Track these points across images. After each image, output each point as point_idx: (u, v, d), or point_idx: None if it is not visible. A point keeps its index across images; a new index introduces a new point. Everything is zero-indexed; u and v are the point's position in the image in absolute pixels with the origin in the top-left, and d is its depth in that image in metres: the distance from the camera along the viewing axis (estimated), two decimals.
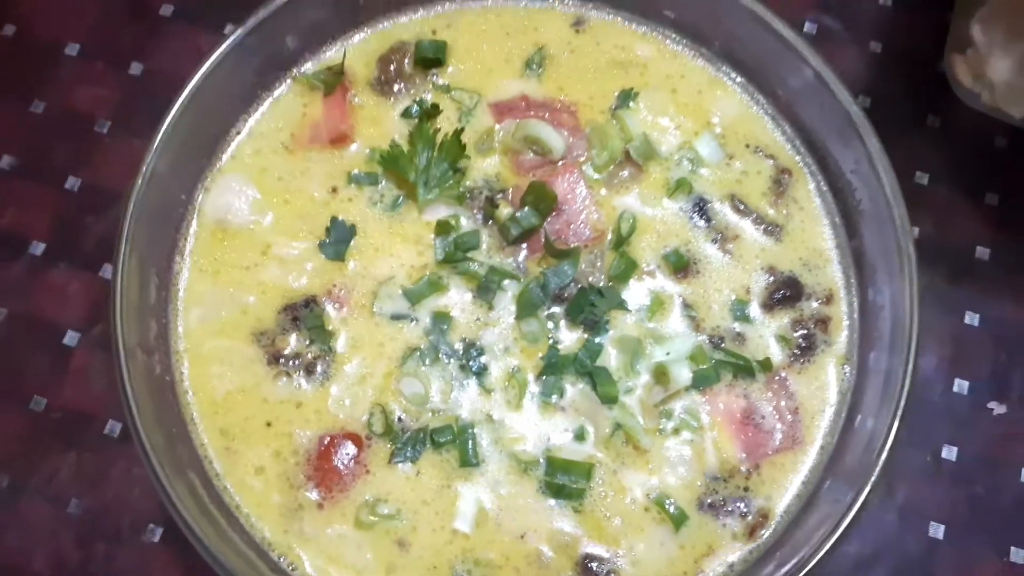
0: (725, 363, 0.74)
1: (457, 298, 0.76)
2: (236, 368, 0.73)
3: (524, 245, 0.78)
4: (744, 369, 0.74)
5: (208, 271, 0.76)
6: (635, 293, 0.77)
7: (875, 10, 1.03)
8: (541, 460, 0.72)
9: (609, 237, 0.78)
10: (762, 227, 0.79)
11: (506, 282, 0.76)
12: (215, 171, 0.79)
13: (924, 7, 1.02)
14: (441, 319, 0.75)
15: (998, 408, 0.88)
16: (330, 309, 0.75)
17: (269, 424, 0.72)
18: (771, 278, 0.78)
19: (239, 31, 0.77)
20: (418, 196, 0.78)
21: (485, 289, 0.76)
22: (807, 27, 1.03)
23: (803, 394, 0.75)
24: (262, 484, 0.71)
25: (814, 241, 0.79)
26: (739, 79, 0.84)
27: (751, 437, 0.73)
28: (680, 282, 0.77)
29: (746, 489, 0.72)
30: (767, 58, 0.81)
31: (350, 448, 0.71)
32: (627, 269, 0.77)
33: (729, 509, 0.71)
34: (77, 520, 0.81)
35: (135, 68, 0.97)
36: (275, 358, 0.74)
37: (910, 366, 0.69)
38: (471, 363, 0.74)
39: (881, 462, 0.67)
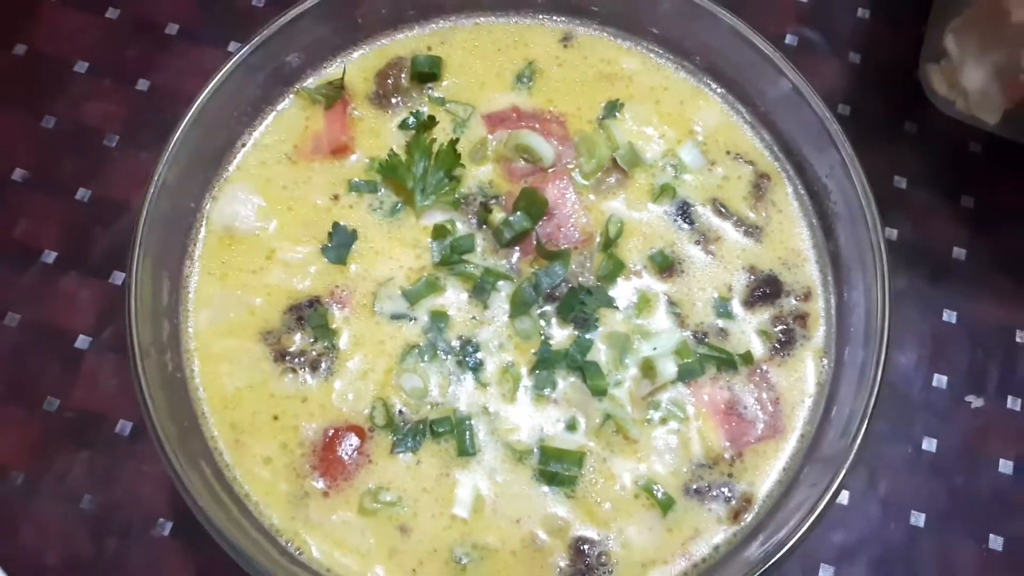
0: (709, 357, 0.79)
1: (454, 298, 0.81)
2: (244, 366, 0.78)
3: (517, 248, 0.82)
4: (727, 362, 0.79)
5: (217, 275, 0.81)
6: (623, 292, 0.81)
7: (853, 23, 1.10)
8: (535, 449, 0.76)
9: (597, 239, 0.82)
10: (743, 229, 0.84)
11: (500, 283, 0.80)
12: (222, 181, 0.84)
13: (900, 20, 1.09)
14: (438, 318, 0.80)
15: (975, 402, 0.93)
16: (333, 309, 0.80)
17: (276, 418, 0.77)
18: (752, 277, 0.82)
19: (245, 49, 0.82)
20: (415, 202, 0.83)
21: (480, 289, 0.80)
22: (789, 40, 1.09)
23: (783, 385, 0.79)
24: (270, 474, 0.75)
25: (792, 242, 0.85)
26: (720, 90, 0.90)
27: (734, 426, 0.78)
28: (665, 281, 0.82)
29: (730, 475, 0.77)
30: (746, 71, 0.87)
31: (353, 439, 0.75)
32: (615, 269, 0.81)
33: (714, 494, 0.76)
34: (90, 516, 0.86)
35: (142, 84, 1.04)
36: (281, 356, 0.78)
37: (882, 359, 0.74)
38: (467, 359, 0.78)
39: (855, 448, 0.71)
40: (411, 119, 0.87)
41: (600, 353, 0.79)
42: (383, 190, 0.85)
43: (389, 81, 0.88)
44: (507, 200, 0.84)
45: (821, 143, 0.83)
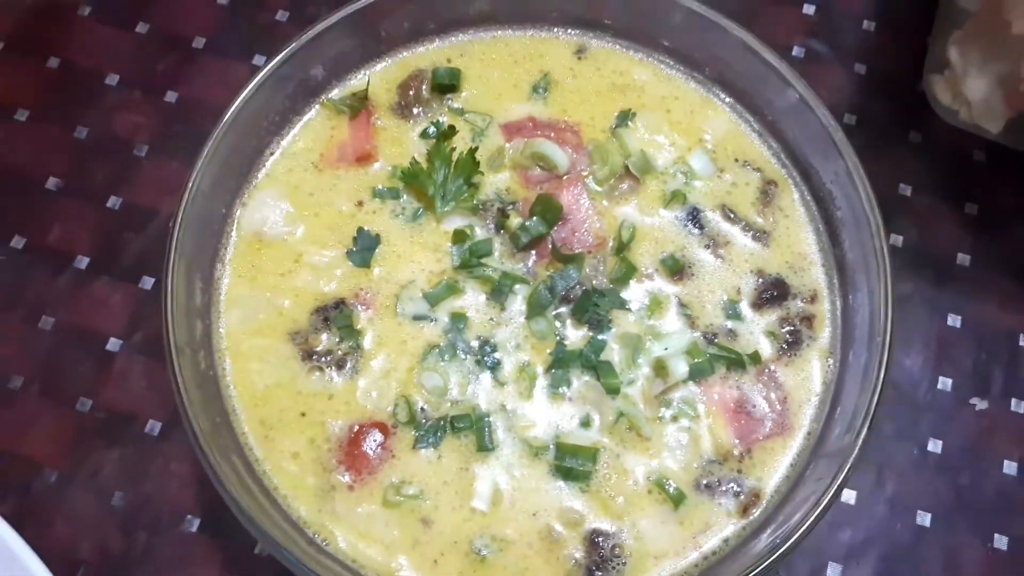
0: (719, 357, 0.82)
1: (472, 300, 0.84)
2: (273, 364, 0.82)
3: (533, 251, 0.86)
4: (736, 362, 0.82)
5: (247, 277, 0.85)
6: (635, 294, 0.85)
7: (859, 35, 1.13)
8: (551, 445, 0.79)
9: (611, 244, 0.86)
10: (751, 234, 0.88)
11: (517, 285, 0.84)
12: (252, 188, 0.88)
13: (904, 31, 1.13)
14: (458, 319, 0.83)
15: (980, 403, 0.96)
16: (358, 310, 0.83)
17: (304, 414, 0.80)
18: (759, 280, 0.86)
19: (273, 62, 0.86)
20: (436, 208, 0.86)
21: (498, 292, 0.84)
22: (796, 51, 1.13)
23: (790, 385, 0.83)
24: (298, 468, 0.79)
25: (799, 246, 0.88)
26: (728, 100, 0.93)
27: (743, 424, 0.81)
28: (676, 284, 0.85)
29: (739, 471, 0.80)
30: (755, 81, 0.90)
31: (377, 435, 0.79)
32: (627, 272, 0.85)
33: (724, 489, 0.79)
34: (120, 512, 0.90)
35: (170, 96, 1.08)
36: (308, 355, 0.82)
37: (885, 359, 0.77)
38: (486, 358, 0.82)
39: (859, 444, 0.74)
40: (432, 128, 0.91)
41: (613, 353, 0.83)
42: (405, 196, 0.88)
43: (411, 92, 0.92)
44: (524, 206, 0.88)
45: (827, 151, 0.86)
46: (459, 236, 0.86)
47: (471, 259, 0.85)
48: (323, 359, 0.82)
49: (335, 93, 0.93)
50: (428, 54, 0.95)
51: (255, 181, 0.89)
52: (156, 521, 0.90)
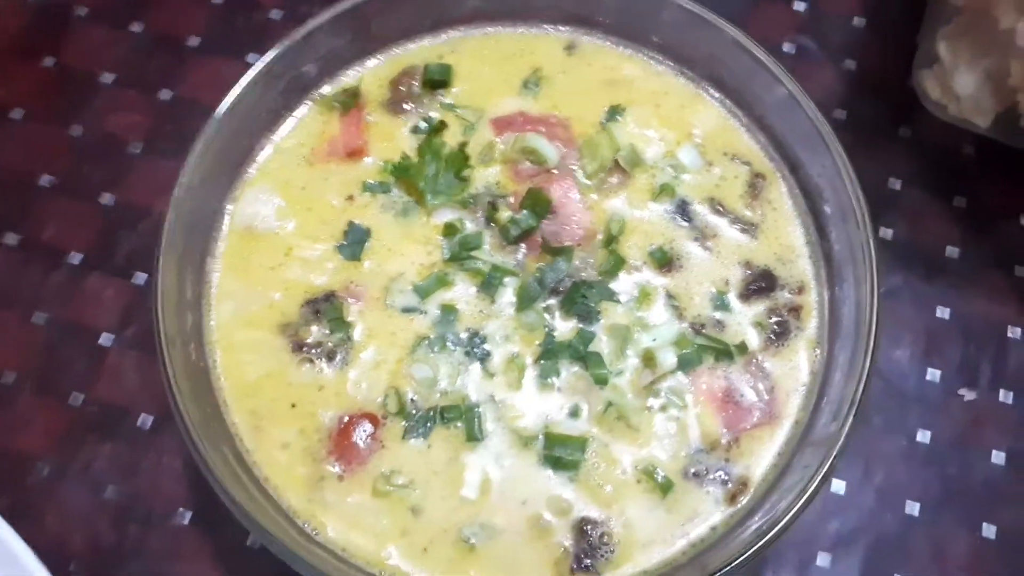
0: (706, 347, 0.84)
1: (462, 292, 0.86)
2: (264, 356, 0.83)
3: (523, 244, 0.87)
4: (724, 352, 0.84)
5: (238, 270, 0.86)
6: (624, 286, 0.86)
7: (848, 31, 1.15)
8: (540, 435, 0.80)
9: (599, 236, 0.87)
10: (739, 226, 0.89)
11: (507, 278, 0.85)
12: (244, 182, 0.90)
13: (894, 28, 1.14)
14: (448, 311, 0.84)
15: (968, 395, 0.98)
16: (348, 303, 0.85)
17: (294, 405, 0.82)
18: (747, 271, 0.87)
19: (265, 59, 0.87)
20: (426, 202, 0.88)
21: (488, 284, 0.85)
22: (786, 48, 1.15)
23: (778, 374, 0.84)
24: (288, 458, 0.80)
25: (786, 238, 0.90)
26: (717, 95, 0.95)
27: (731, 413, 0.82)
28: (664, 276, 0.87)
29: (727, 460, 0.81)
30: (744, 77, 0.92)
31: (367, 426, 0.80)
32: (616, 265, 0.86)
33: (712, 477, 0.80)
34: (112, 505, 0.91)
35: (164, 95, 1.10)
36: (299, 347, 0.83)
37: (871, 349, 0.78)
38: (475, 350, 0.83)
39: (845, 432, 0.76)
40: (422, 124, 0.92)
41: (602, 344, 0.84)
42: (396, 191, 0.90)
43: (402, 88, 0.93)
44: (514, 199, 0.89)
45: (815, 145, 0.88)
46: (449, 229, 0.88)
47: (461, 252, 0.87)
48: (313, 351, 0.84)
49: (327, 90, 0.94)
50: (419, 51, 0.97)
51: (247, 176, 0.91)
52: (148, 513, 0.92)
